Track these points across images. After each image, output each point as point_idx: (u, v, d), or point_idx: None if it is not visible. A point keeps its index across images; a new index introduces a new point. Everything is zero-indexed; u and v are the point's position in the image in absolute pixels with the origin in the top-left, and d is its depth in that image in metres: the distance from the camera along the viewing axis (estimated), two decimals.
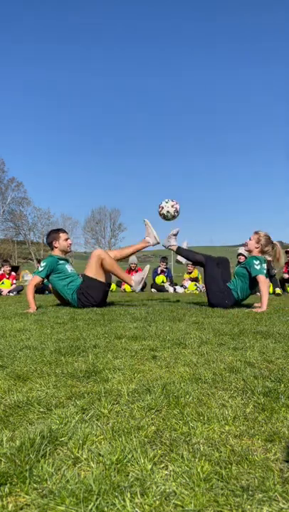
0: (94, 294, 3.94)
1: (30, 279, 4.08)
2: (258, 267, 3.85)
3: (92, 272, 3.95)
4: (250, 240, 4.10)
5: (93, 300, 3.94)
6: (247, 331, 2.25)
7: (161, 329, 2.37)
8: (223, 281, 4.02)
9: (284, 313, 3.32)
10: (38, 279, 3.94)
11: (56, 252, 4.17)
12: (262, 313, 3.30)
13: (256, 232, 4.08)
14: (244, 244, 4.16)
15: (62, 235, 4.20)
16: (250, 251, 4.09)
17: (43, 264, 3.99)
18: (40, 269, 3.96)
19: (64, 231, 4.29)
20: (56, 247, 4.16)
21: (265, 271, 3.88)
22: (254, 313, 3.35)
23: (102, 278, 3.98)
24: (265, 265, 3.90)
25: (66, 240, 4.21)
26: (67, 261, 4.21)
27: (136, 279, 4.07)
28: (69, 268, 4.12)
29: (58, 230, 4.27)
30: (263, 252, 4.04)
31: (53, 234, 4.23)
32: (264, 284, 3.84)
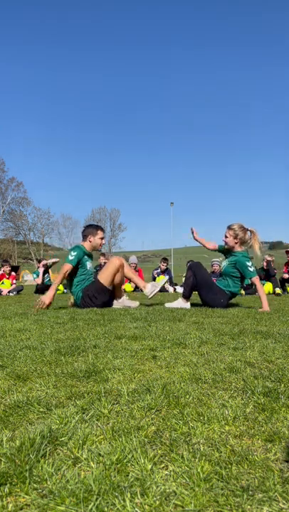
0: (100, 298, 3.99)
1: (62, 267, 4.02)
2: (251, 269, 3.86)
3: (105, 277, 3.98)
4: (226, 237, 4.04)
5: (95, 305, 4.00)
6: (247, 331, 2.25)
7: (161, 329, 2.37)
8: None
9: (284, 313, 3.32)
10: (68, 266, 3.92)
11: (86, 245, 4.16)
12: (262, 313, 3.30)
13: (230, 227, 4.00)
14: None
15: (100, 233, 4.20)
16: (232, 248, 4.03)
17: (73, 253, 3.97)
18: (71, 257, 3.94)
19: (102, 229, 4.29)
20: (90, 242, 4.16)
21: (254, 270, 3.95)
22: (254, 312, 3.35)
23: (110, 286, 4.04)
24: (252, 262, 3.97)
25: (101, 238, 4.22)
26: (91, 257, 4.24)
27: (150, 288, 4.17)
28: (88, 265, 4.15)
29: (98, 227, 4.26)
30: (243, 243, 4.01)
31: (91, 229, 4.21)
32: (260, 286, 3.86)
